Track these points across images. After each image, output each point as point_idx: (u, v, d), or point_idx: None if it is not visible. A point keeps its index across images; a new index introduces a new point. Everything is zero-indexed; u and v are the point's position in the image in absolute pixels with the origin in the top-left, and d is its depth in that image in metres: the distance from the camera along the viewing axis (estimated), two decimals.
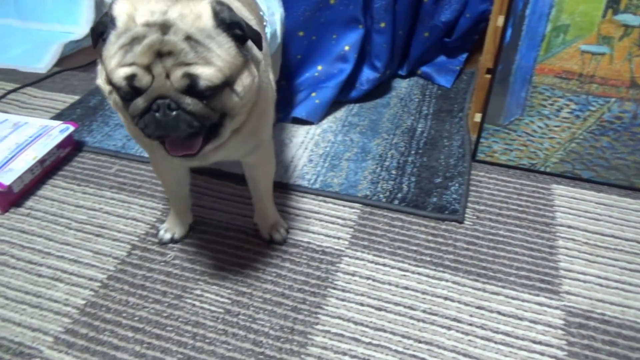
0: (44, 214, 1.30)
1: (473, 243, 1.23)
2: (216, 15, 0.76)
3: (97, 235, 1.24)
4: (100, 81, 0.82)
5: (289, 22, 1.54)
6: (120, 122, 1.63)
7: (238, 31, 0.78)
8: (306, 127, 1.63)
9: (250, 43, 0.83)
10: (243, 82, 0.81)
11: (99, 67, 0.82)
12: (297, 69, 1.70)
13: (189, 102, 0.76)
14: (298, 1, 1.55)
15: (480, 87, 1.52)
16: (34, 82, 1.90)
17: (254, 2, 1.19)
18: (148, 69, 0.74)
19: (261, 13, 1.21)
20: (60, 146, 1.45)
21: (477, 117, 1.48)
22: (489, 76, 1.42)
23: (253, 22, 1.03)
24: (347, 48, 1.64)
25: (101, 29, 0.77)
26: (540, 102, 1.36)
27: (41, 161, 1.38)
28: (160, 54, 0.73)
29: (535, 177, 1.44)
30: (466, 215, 1.31)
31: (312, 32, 1.62)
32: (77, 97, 1.81)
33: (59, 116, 1.68)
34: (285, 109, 1.66)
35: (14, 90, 1.84)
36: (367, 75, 1.73)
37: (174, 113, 0.76)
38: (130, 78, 0.74)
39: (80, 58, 2.09)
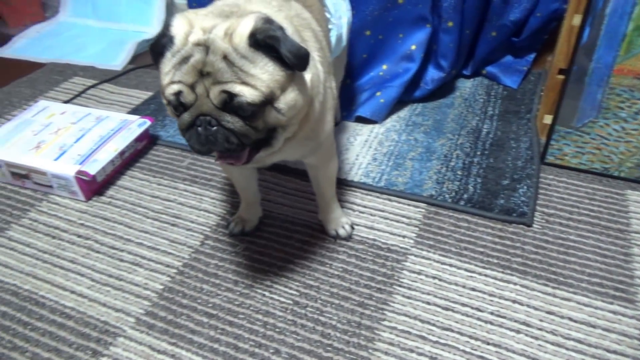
0: (124, 203, 1.39)
1: (542, 247, 1.21)
2: (252, 35, 0.77)
3: (173, 225, 1.31)
4: None
5: (356, 21, 1.56)
6: None
7: (275, 53, 0.78)
8: (370, 126, 1.65)
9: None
10: (286, 99, 0.81)
11: None
12: (362, 68, 1.72)
13: (229, 119, 0.80)
14: (367, 1, 1.56)
15: (551, 88, 1.48)
16: (110, 78, 2.01)
17: (322, 3, 1.21)
18: (192, 87, 0.78)
19: (328, 15, 1.23)
20: (137, 139, 1.53)
21: (547, 119, 1.44)
22: (561, 77, 1.38)
23: (320, 34, 1.04)
24: (413, 47, 1.64)
25: (159, 49, 0.81)
26: (617, 104, 1.31)
27: (121, 153, 1.47)
28: (202, 74, 0.77)
29: (609, 181, 1.39)
30: (535, 218, 1.28)
31: (379, 31, 1.63)
32: (150, 94, 1.90)
33: (134, 111, 1.78)
34: (349, 107, 1.68)
35: (93, 86, 1.96)
36: (432, 74, 1.72)
37: (214, 129, 0.80)
38: (178, 94, 0.79)
39: None
